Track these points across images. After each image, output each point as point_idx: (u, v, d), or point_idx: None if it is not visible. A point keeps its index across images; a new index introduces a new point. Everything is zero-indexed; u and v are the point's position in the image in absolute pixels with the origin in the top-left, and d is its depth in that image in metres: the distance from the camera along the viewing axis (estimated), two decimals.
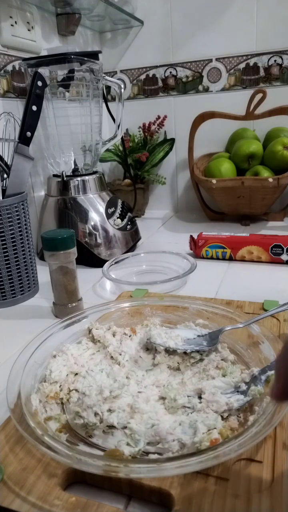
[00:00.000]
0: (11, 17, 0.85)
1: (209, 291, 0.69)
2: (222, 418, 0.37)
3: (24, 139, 0.72)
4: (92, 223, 0.85)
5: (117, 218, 0.89)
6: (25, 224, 0.69)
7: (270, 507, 0.29)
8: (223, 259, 0.83)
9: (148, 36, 1.19)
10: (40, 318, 0.64)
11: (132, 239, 0.91)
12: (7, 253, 0.67)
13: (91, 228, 0.85)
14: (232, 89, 1.16)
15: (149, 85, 1.24)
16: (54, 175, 0.91)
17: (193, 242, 0.86)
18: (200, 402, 0.39)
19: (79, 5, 0.98)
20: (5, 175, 0.72)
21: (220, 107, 1.08)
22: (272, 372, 0.40)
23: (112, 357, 0.47)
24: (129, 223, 0.92)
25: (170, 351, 0.48)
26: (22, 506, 0.30)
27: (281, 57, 1.09)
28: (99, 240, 0.85)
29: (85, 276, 0.76)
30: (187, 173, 1.20)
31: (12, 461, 0.34)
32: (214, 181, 1.01)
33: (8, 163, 0.73)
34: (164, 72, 1.21)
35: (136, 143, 1.23)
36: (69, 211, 0.85)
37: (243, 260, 0.81)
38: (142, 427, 0.36)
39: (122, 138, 0.99)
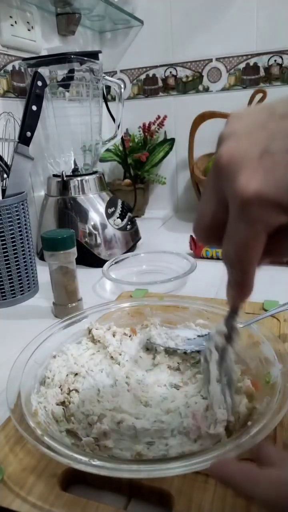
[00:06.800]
0: (11, 17, 0.85)
1: (209, 291, 0.69)
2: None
3: (24, 139, 0.72)
4: (92, 223, 0.85)
5: (117, 218, 0.89)
6: (25, 224, 0.69)
7: None
8: None
9: (148, 36, 1.19)
10: (40, 318, 0.64)
11: (132, 239, 0.91)
12: (7, 253, 0.67)
13: (91, 228, 0.85)
14: (232, 89, 1.16)
15: (149, 85, 1.24)
16: (54, 175, 0.91)
17: (193, 242, 0.86)
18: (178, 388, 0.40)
19: (79, 5, 0.98)
20: (5, 175, 0.72)
21: (220, 107, 1.08)
22: (269, 371, 0.40)
23: (112, 357, 0.47)
24: (129, 223, 0.92)
25: (170, 351, 0.48)
26: (22, 506, 0.30)
27: (281, 57, 1.09)
28: (99, 240, 0.85)
29: (85, 276, 0.76)
30: (187, 173, 1.20)
31: (12, 461, 0.34)
32: None
33: (8, 163, 0.73)
34: (164, 72, 1.21)
35: (136, 143, 1.23)
36: (69, 211, 0.85)
37: None
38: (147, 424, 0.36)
39: (122, 138, 0.99)
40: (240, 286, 0.27)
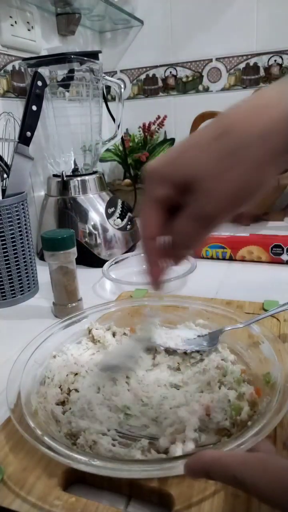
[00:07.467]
0: (11, 17, 0.85)
1: (209, 291, 0.69)
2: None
3: (24, 139, 0.72)
4: (92, 223, 0.85)
5: (117, 218, 0.89)
6: (25, 224, 0.69)
7: (270, 507, 0.29)
8: (223, 259, 0.83)
9: (148, 36, 1.19)
10: (40, 318, 0.64)
11: (132, 239, 0.91)
12: (7, 253, 0.67)
13: (91, 228, 0.85)
14: (232, 89, 1.16)
15: (149, 85, 1.24)
16: (54, 175, 0.91)
17: None
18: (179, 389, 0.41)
19: (79, 5, 0.98)
20: (5, 175, 0.72)
21: (220, 107, 1.07)
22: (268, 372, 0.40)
23: None
24: (129, 223, 0.92)
25: (170, 351, 0.48)
26: (22, 506, 0.30)
27: (281, 57, 1.09)
28: (99, 240, 0.85)
29: (85, 276, 0.76)
30: None
31: (12, 461, 0.34)
32: None
33: (8, 163, 0.73)
34: (164, 72, 1.21)
35: (136, 143, 1.23)
36: (69, 211, 0.85)
37: (243, 260, 0.81)
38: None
39: (122, 138, 0.99)
40: (146, 265, 0.35)
